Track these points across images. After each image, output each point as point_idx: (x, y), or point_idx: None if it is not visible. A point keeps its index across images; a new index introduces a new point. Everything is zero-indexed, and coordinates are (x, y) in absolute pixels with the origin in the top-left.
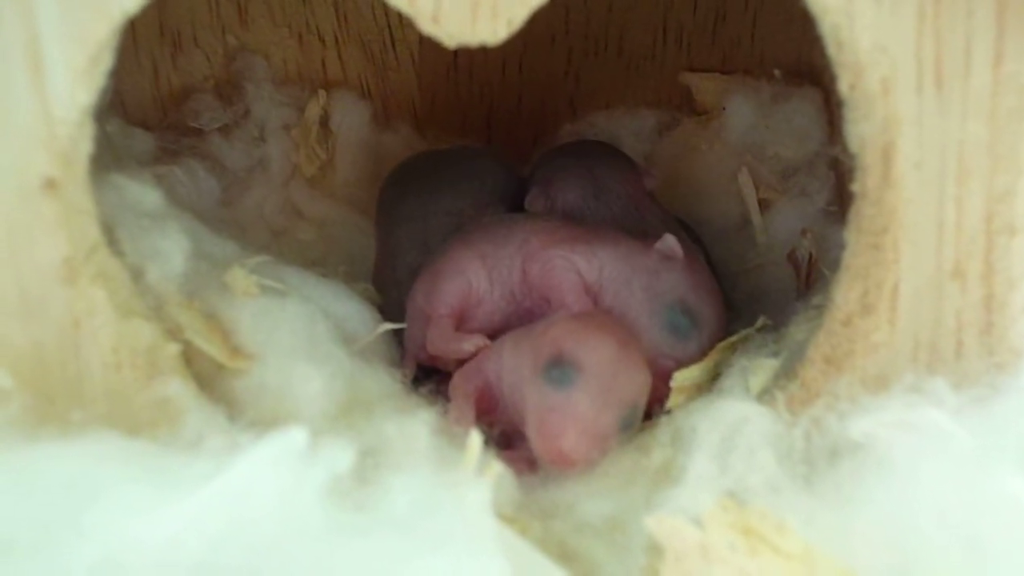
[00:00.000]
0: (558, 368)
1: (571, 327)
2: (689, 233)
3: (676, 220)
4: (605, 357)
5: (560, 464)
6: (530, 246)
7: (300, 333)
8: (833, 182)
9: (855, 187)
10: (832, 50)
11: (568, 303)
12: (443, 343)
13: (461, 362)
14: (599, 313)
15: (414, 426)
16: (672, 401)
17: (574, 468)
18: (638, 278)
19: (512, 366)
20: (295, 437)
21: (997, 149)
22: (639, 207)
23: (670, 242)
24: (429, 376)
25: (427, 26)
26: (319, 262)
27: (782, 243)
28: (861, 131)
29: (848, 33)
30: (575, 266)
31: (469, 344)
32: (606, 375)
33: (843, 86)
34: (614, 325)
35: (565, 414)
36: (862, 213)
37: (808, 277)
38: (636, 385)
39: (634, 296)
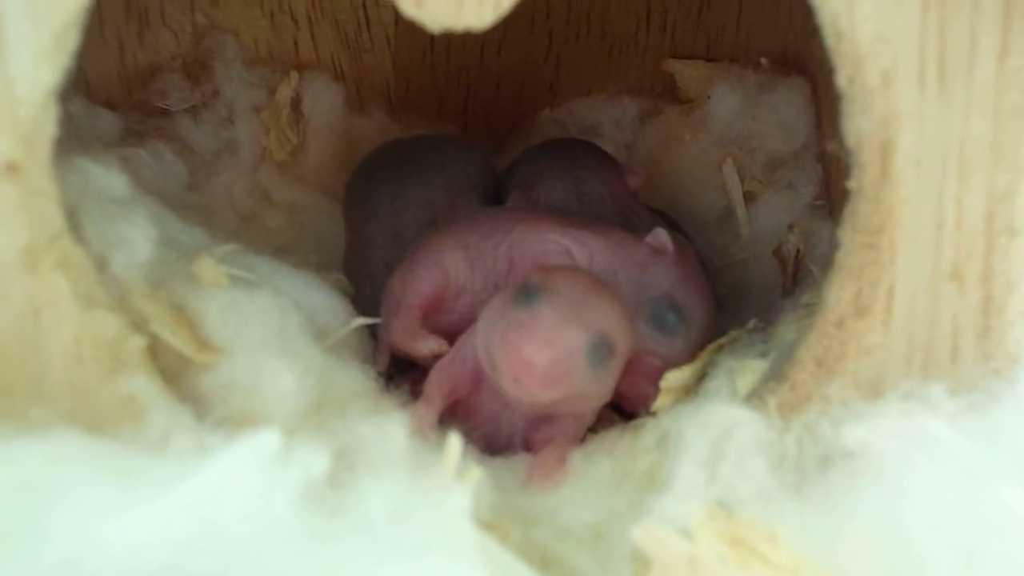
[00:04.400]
0: (526, 291)
1: (545, 268)
2: (678, 232)
3: (664, 219)
4: (575, 283)
5: (524, 382)
6: (517, 234)
7: (271, 327)
8: (820, 175)
9: (851, 184)
10: (830, 40)
11: None
12: (404, 336)
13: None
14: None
15: (390, 427)
16: (660, 403)
17: (538, 390)
18: (625, 270)
19: (485, 327)
20: (267, 439)
21: (999, 147)
22: (624, 208)
23: (661, 236)
24: (404, 373)
25: (410, 9)
26: (289, 249)
27: (767, 237)
28: (859, 126)
29: (848, 23)
30: (567, 250)
31: (425, 346)
32: (574, 297)
33: (841, 79)
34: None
35: (529, 327)
36: (858, 211)
37: (795, 273)
38: (606, 315)
39: (620, 288)
